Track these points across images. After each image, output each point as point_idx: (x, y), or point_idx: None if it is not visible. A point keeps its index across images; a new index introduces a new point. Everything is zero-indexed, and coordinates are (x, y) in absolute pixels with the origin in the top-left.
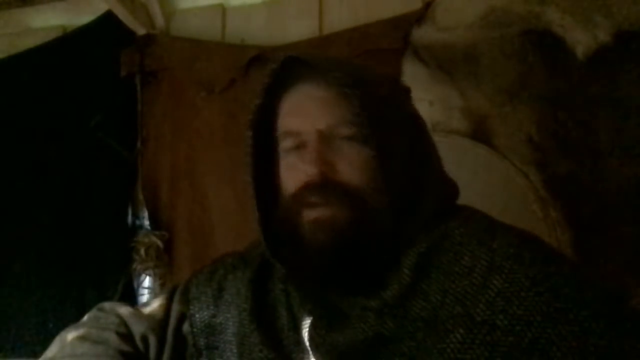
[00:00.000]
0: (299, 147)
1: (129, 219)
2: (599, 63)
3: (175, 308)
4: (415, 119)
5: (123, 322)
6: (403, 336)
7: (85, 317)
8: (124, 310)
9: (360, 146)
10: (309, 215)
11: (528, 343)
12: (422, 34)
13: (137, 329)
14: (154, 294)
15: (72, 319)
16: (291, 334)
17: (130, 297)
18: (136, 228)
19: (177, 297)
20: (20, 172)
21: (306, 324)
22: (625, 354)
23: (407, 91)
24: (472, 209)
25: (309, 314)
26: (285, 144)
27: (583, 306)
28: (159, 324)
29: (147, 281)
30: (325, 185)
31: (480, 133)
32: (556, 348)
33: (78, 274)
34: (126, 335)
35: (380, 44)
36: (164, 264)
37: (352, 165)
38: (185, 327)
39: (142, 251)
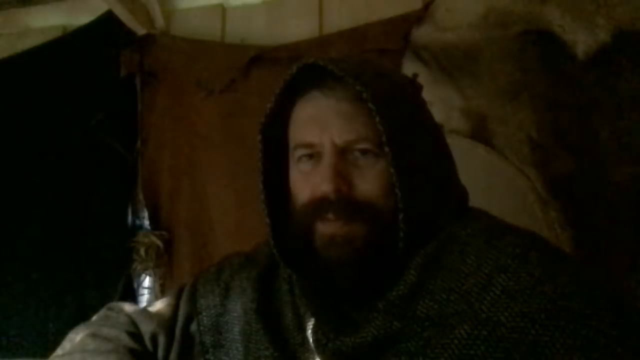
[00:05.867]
0: (313, 156)
1: (129, 219)
2: (599, 63)
3: (183, 307)
4: (432, 126)
5: (132, 321)
6: (410, 336)
7: (95, 317)
8: (133, 309)
9: (376, 159)
10: (324, 230)
11: (532, 340)
12: (422, 34)
13: (146, 328)
14: (154, 294)
15: (72, 319)
16: (296, 334)
17: (130, 297)
18: (136, 228)
19: (184, 297)
20: (20, 173)
21: (311, 324)
22: (628, 353)
23: (420, 89)
24: (479, 210)
25: (315, 316)
26: (298, 152)
27: (587, 305)
28: (168, 322)
29: (147, 281)
30: (341, 202)
31: (480, 133)
32: (559, 345)
33: (78, 274)
34: (135, 334)
35: (380, 44)
36: (164, 264)
37: (368, 181)
38: (193, 325)
39: (142, 251)
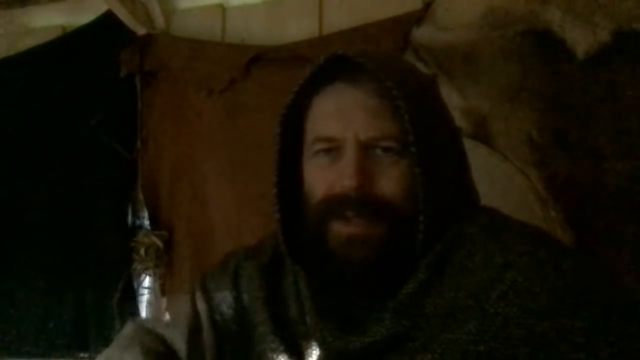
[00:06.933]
0: (332, 151)
1: (129, 219)
2: (599, 63)
3: (201, 307)
4: (453, 125)
5: (162, 340)
6: (418, 334)
7: (123, 340)
8: (162, 327)
9: (398, 158)
10: (342, 229)
11: (539, 337)
12: (422, 34)
13: (180, 346)
14: (154, 294)
15: (72, 318)
16: (300, 327)
17: (130, 297)
18: (136, 228)
19: (198, 299)
20: (20, 172)
21: (315, 319)
22: (636, 352)
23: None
24: (487, 208)
25: (322, 314)
26: (317, 146)
27: (595, 303)
28: (193, 330)
29: (147, 281)
30: (362, 201)
31: (480, 133)
32: (567, 343)
33: (78, 274)
34: (166, 354)
35: (380, 44)
36: (164, 264)
37: (391, 180)
38: (217, 317)
39: (142, 251)
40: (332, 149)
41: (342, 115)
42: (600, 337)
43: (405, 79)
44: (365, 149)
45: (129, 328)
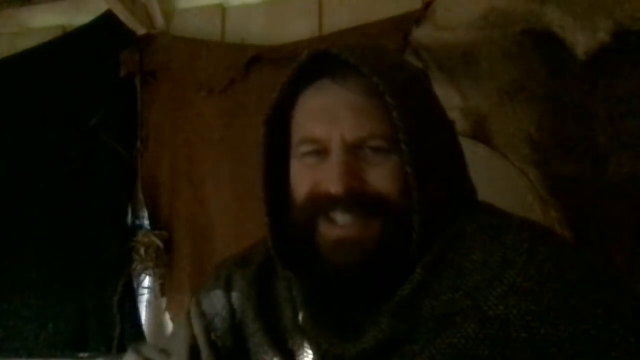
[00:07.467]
0: (320, 152)
1: (129, 219)
2: (599, 63)
3: (197, 326)
4: (446, 120)
5: None
6: (415, 337)
7: None
8: (163, 358)
9: (388, 156)
10: (331, 233)
11: (541, 340)
12: (422, 34)
13: None
14: (154, 294)
15: (72, 319)
16: (295, 334)
17: (130, 297)
18: (136, 228)
19: (194, 317)
20: (19, 172)
21: (309, 325)
22: None
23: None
24: (485, 204)
25: (316, 321)
26: (303, 148)
27: (598, 304)
28: (192, 356)
29: (147, 281)
30: (351, 202)
31: (480, 133)
32: (570, 346)
33: (78, 274)
34: None
35: (380, 44)
36: (163, 264)
37: (382, 178)
38: (212, 336)
39: (142, 251)
40: (320, 150)
41: (327, 115)
42: (605, 339)
43: (393, 74)
44: (353, 149)
45: (130, 359)
